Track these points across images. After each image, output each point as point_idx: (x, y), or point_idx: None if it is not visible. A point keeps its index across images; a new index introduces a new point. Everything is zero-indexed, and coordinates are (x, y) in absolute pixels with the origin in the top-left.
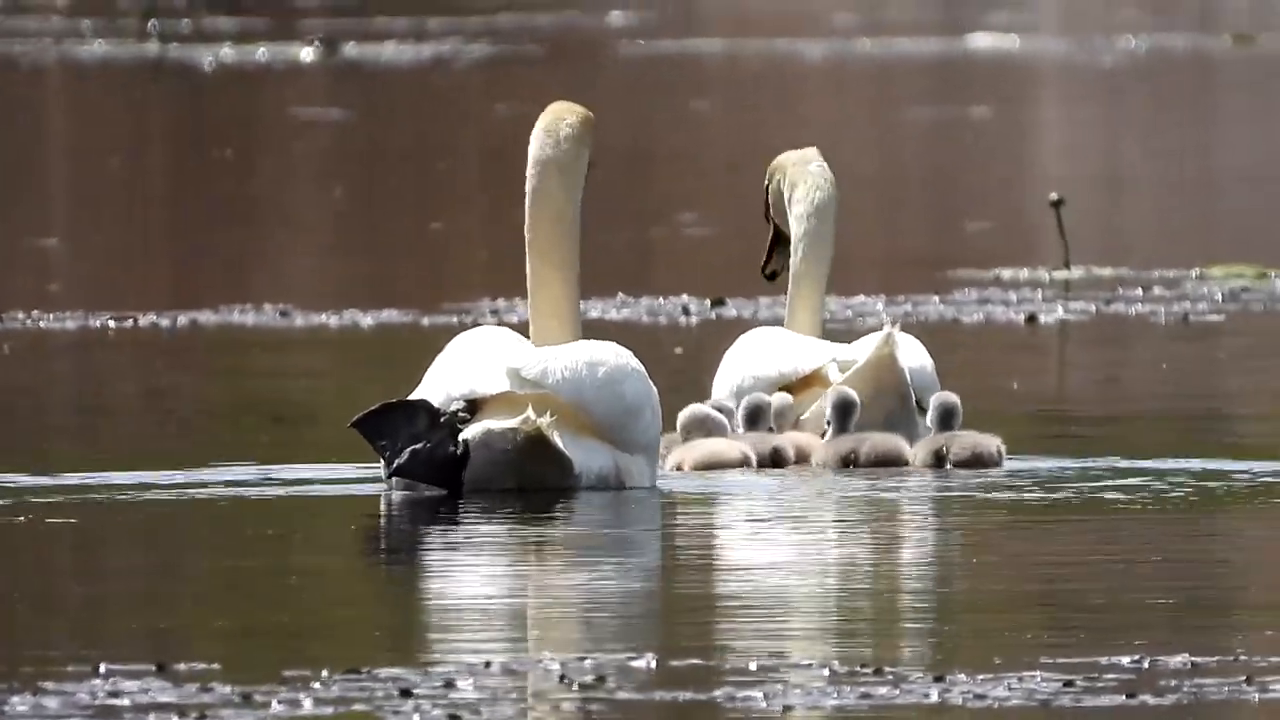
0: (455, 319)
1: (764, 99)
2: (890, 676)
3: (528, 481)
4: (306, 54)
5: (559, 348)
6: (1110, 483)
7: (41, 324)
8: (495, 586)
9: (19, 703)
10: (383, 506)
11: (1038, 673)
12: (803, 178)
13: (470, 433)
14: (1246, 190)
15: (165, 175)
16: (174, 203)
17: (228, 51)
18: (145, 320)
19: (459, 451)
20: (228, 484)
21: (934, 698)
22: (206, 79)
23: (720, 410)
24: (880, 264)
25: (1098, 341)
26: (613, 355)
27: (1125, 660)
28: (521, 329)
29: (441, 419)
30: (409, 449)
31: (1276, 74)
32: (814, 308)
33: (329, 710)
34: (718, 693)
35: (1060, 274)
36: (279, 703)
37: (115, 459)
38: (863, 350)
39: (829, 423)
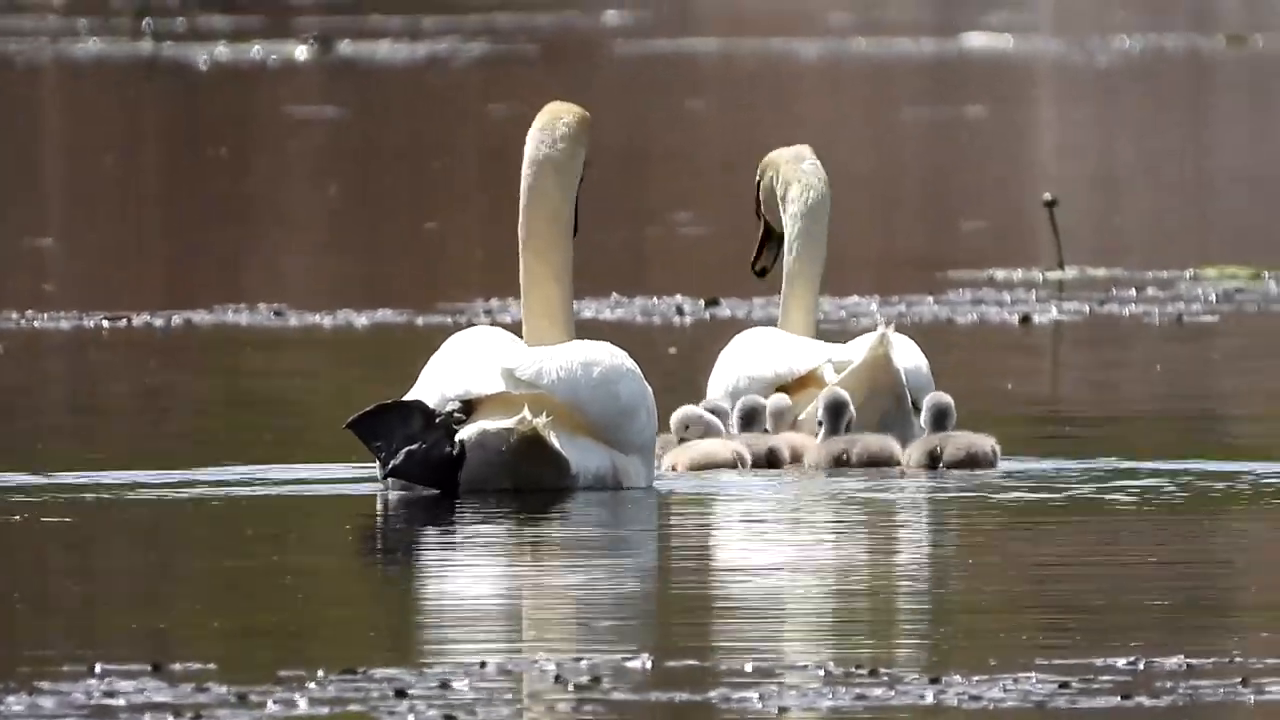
0: (449, 319)
1: (759, 98)
2: (885, 678)
3: (524, 482)
4: (301, 52)
5: (554, 348)
6: (1105, 484)
7: (36, 323)
8: (491, 587)
9: (15, 702)
10: (378, 507)
11: (1033, 674)
12: (797, 177)
13: (466, 433)
14: (1241, 191)
15: (160, 174)
16: (168, 202)
17: (222, 50)
18: (139, 320)
19: (455, 452)
20: (222, 484)
21: (929, 699)
22: (201, 77)
23: (715, 411)
24: (875, 264)
25: (1092, 342)
26: (608, 355)
27: (1121, 661)
28: (515, 329)
29: (437, 420)
30: (404, 450)
31: (1270, 74)
32: (807, 308)
33: (324, 710)
34: (713, 694)
35: (1054, 274)
36: (274, 703)
37: (110, 459)
38: (858, 351)
39: (820, 423)
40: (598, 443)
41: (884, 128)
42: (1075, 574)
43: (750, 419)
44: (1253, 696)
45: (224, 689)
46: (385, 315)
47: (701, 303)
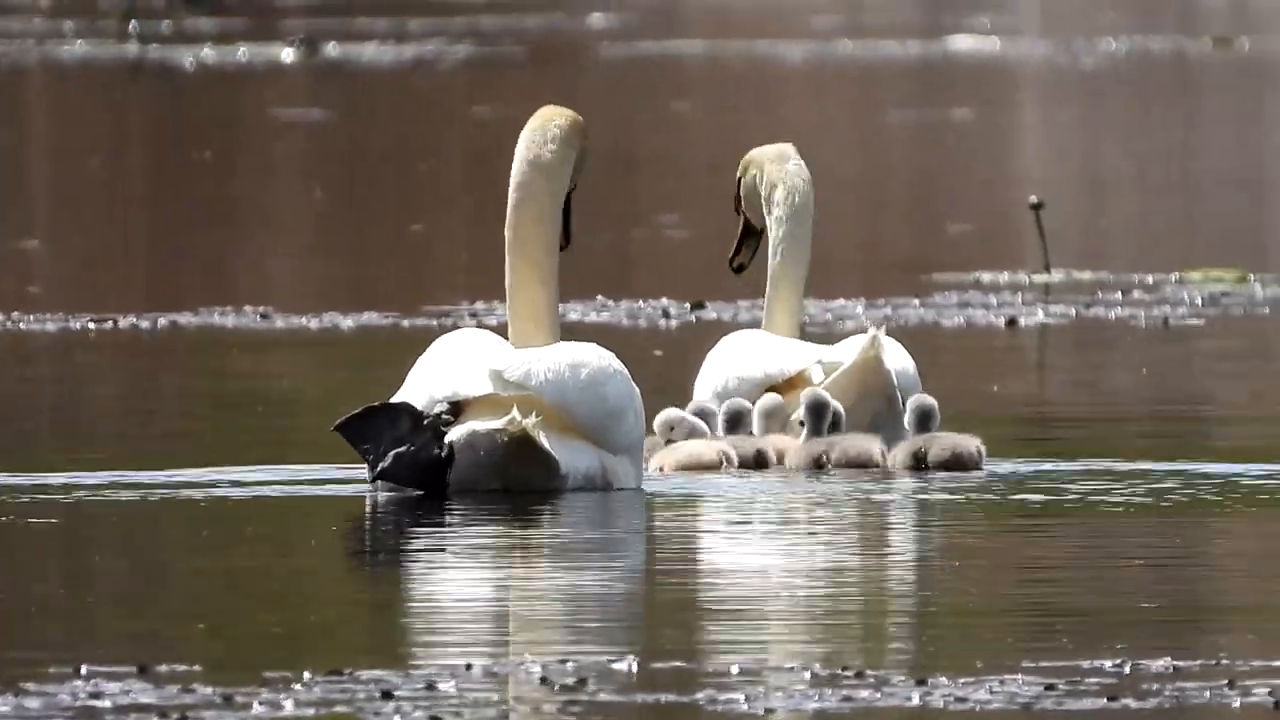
0: (435, 321)
1: (745, 101)
2: (872, 679)
3: (513, 483)
4: (287, 54)
5: (542, 349)
6: (1090, 486)
7: (22, 325)
8: (477, 588)
9: (0, 704)
10: (366, 508)
11: (1019, 676)
12: (782, 179)
13: (455, 435)
14: (1227, 194)
15: (146, 176)
16: (154, 204)
17: (208, 52)
18: (125, 322)
19: (443, 454)
20: (209, 485)
21: (915, 701)
22: (187, 80)
23: (702, 413)
24: (860, 267)
25: (1078, 345)
26: (595, 357)
27: (1107, 664)
28: (501, 331)
29: (425, 422)
30: (393, 452)
31: (1256, 76)
32: (792, 310)
33: (310, 712)
34: (699, 695)
35: (1040, 277)
36: (260, 704)
37: (96, 460)
38: (847, 352)
39: (801, 424)
40: (586, 443)
41: (870, 130)
42: (1061, 576)
43: (735, 422)
44: (1239, 699)
45: (210, 690)
46: (371, 317)
47: (687, 305)
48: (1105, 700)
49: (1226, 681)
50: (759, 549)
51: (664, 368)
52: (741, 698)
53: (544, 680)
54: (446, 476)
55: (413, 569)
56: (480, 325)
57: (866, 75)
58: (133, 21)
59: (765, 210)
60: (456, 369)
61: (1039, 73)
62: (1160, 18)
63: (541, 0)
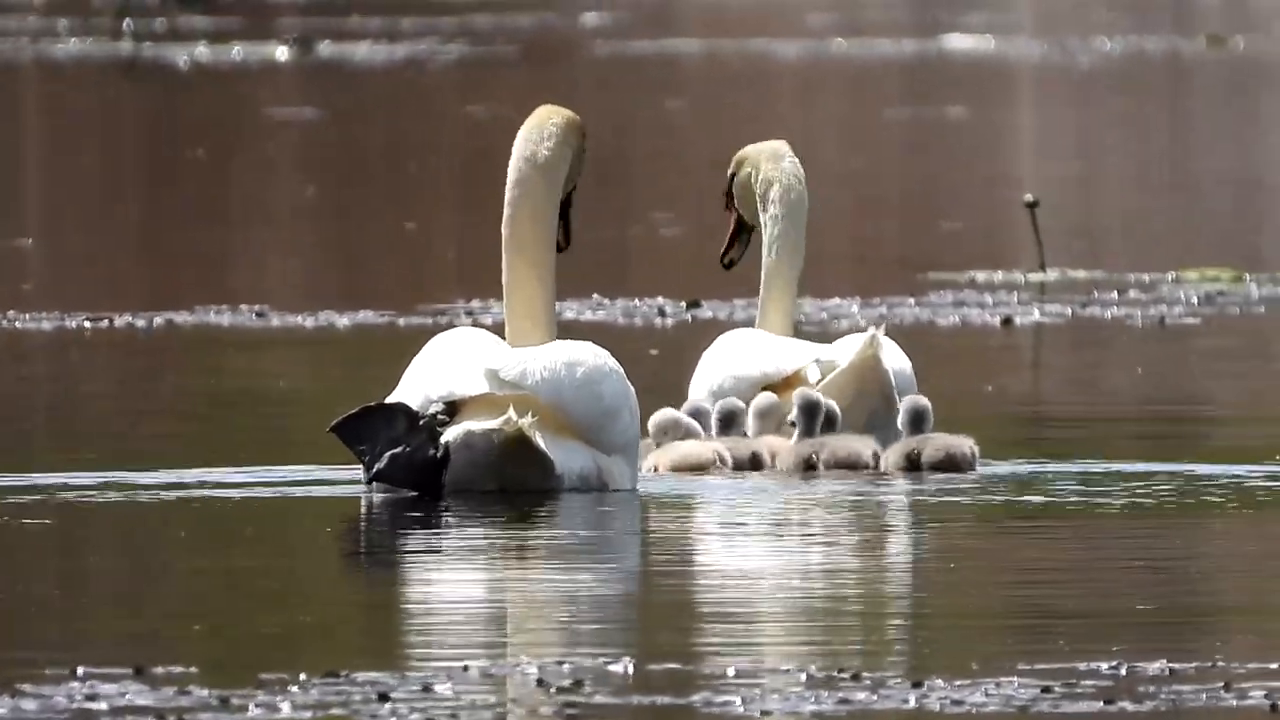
0: (430, 320)
1: (740, 99)
2: (868, 682)
3: (509, 483)
4: (281, 53)
5: (537, 348)
6: (1086, 486)
7: (17, 324)
8: (473, 590)
9: None
10: (362, 509)
11: (1015, 678)
12: (778, 177)
13: (451, 435)
14: (1222, 193)
15: (140, 175)
16: (149, 202)
17: (202, 50)
18: (121, 321)
19: (439, 455)
20: (204, 486)
21: (912, 703)
22: (181, 78)
23: (698, 412)
24: (856, 265)
25: (1073, 344)
26: (591, 356)
27: (1104, 666)
28: (496, 330)
29: (421, 422)
30: (389, 453)
31: (1251, 76)
32: (786, 309)
33: (307, 714)
34: (695, 697)
35: (1035, 276)
36: (256, 706)
37: (91, 460)
38: (844, 351)
39: (792, 424)
40: (582, 444)
41: (865, 129)
42: (1056, 577)
43: (729, 421)
44: (1235, 701)
45: (206, 692)
46: (366, 316)
47: (683, 304)
48: (1101, 703)
49: (1223, 684)
50: (755, 551)
51: (659, 366)
52: (738, 700)
53: (540, 682)
54: (442, 477)
55: (409, 570)
56: (475, 324)
57: (862, 74)
58: (127, 20)
59: (760, 208)
60: (452, 369)
61: (1034, 71)
62: (1155, 16)
63: None
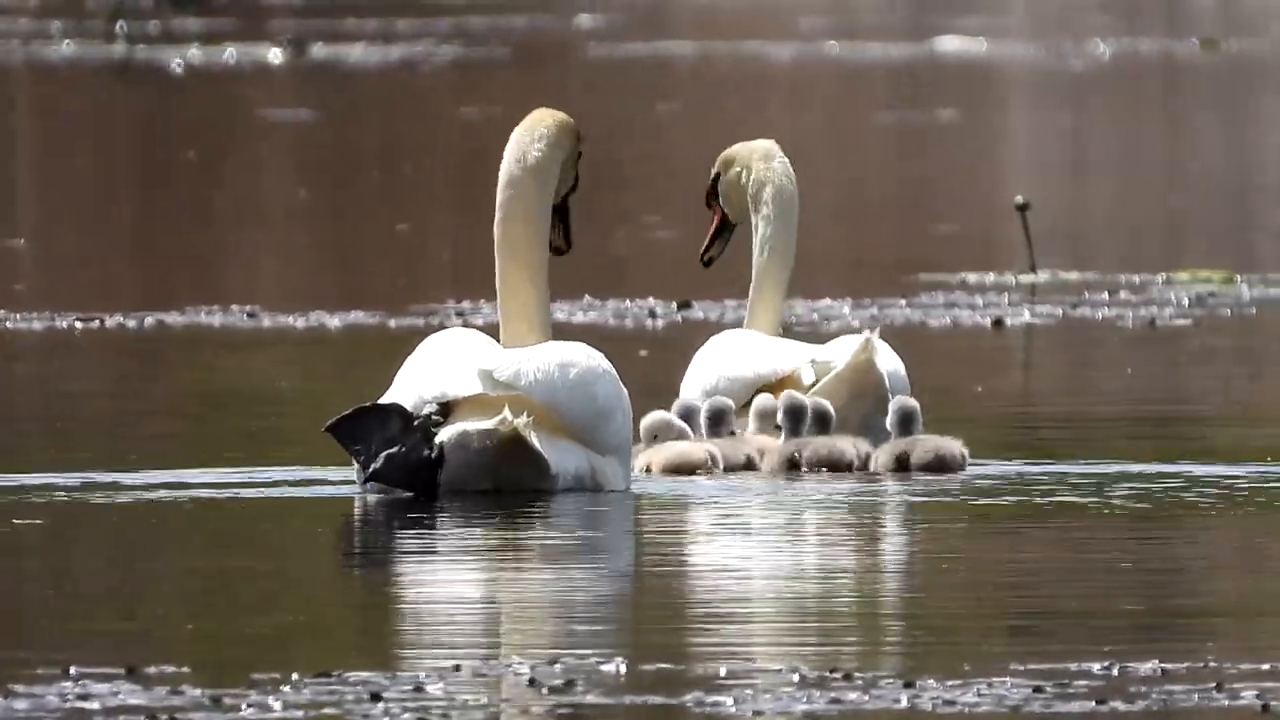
0: (422, 321)
1: (732, 102)
2: (860, 682)
3: (504, 483)
4: (275, 55)
5: (531, 349)
6: (1076, 487)
7: (8, 324)
8: (465, 589)
9: None
10: (356, 509)
11: (1007, 679)
12: (770, 178)
13: (445, 435)
14: (1214, 195)
15: (133, 176)
16: (141, 203)
17: (195, 52)
18: (112, 321)
19: (434, 455)
20: (196, 486)
21: (904, 703)
22: (175, 80)
23: (689, 412)
24: (847, 267)
25: (1064, 346)
26: (584, 357)
27: (1095, 666)
28: (488, 330)
29: (415, 422)
30: (384, 453)
31: (1243, 78)
32: (775, 310)
33: (299, 714)
34: (687, 697)
35: (1026, 278)
36: (248, 706)
37: (83, 460)
38: (839, 352)
39: (778, 426)
40: (575, 444)
41: (857, 131)
42: (1048, 578)
43: (718, 420)
44: (1227, 701)
45: (198, 692)
46: (358, 317)
47: (674, 305)
48: (1093, 703)
49: (1214, 684)
50: (747, 551)
51: (650, 368)
52: (730, 700)
53: (532, 682)
54: (437, 477)
55: (402, 570)
56: (467, 324)
57: (854, 76)
58: (120, 22)
59: (752, 208)
60: (446, 369)
61: (1026, 74)
62: (1148, 19)
63: (529, 1)
